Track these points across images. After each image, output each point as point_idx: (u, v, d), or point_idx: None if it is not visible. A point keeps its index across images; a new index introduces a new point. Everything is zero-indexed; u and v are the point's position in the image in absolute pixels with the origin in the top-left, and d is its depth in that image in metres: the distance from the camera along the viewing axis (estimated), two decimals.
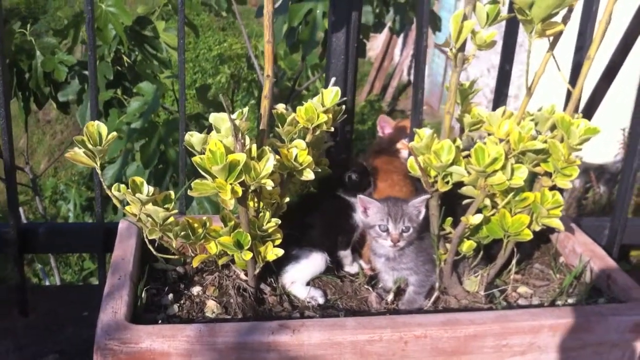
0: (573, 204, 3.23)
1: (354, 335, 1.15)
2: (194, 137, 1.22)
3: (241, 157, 1.12)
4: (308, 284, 1.38)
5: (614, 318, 1.23)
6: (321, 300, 1.33)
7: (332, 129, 1.33)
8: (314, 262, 1.39)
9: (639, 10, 2.68)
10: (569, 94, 1.29)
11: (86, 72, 3.26)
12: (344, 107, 1.44)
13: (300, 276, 1.37)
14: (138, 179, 1.14)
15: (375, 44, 9.28)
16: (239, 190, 1.14)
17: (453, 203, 1.35)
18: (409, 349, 1.17)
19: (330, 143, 1.51)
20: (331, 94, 1.30)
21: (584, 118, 1.22)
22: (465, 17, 1.20)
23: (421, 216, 1.33)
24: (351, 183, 1.44)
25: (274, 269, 1.35)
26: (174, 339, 1.11)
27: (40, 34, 3.40)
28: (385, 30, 3.75)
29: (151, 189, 1.16)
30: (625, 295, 1.31)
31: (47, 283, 4.18)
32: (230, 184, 1.13)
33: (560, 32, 1.18)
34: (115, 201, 1.15)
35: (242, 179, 1.14)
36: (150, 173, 3.00)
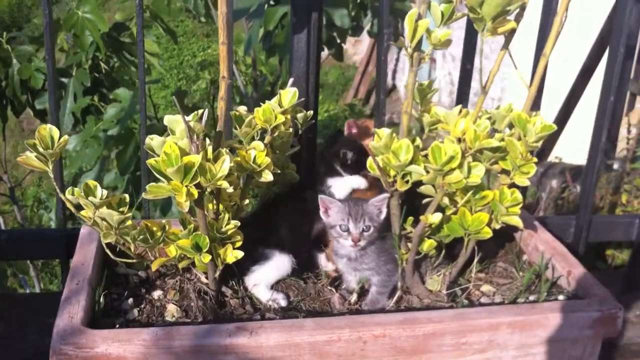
0: (551, 204, 3.24)
1: (312, 336, 1.15)
2: (154, 141, 1.21)
3: (196, 158, 1.12)
4: (272, 286, 1.38)
5: (573, 314, 1.23)
6: (283, 303, 1.33)
7: (290, 130, 1.33)
8: (279, 265, 1.38)
9: (614, 11, 2.70)
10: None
11: (64, 80, 3.26)
12: (311, 112, 1.44)
13: (265, 278, 1.37)
14: (91, 183, 1.13)
15: (360, 49, 9.30)
16: (195, 192, 1.14)
17: (416, 202, 1.35)
18: (368, 349, 1.17)
19: (296, 147, 1.50)
20: (289, 94, 1.30)
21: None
22: (419, 17, 1.21)
23: (382, 215, 1.33)
24: (346, 160, 1.42)
25: (236, 272, 1.35)
26: (129, 343, 1.11)
27: (24, 42, 3.39)
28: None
29: (105, 192, 1.15)
30: (585, 291, 1.31)
31: (28, 291, 4.15)
32: (186, 186, 1.13)
33: (513, 30, 1.19)
34: (69, 205, 1.14)
35: (197, 181, 1.13)
36: (128, 180, 2.99)
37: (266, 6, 3.07)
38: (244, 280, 1.36)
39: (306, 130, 1.47)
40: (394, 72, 8.79)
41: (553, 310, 1.23)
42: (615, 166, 3.30)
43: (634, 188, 2.81)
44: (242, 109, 1.34)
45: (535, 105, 1.58)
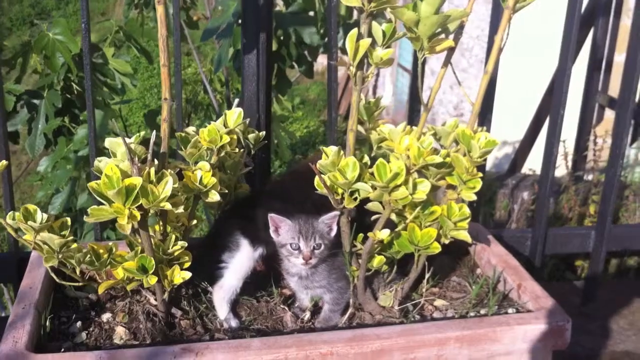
0: (523, 216, 3.26)
1: (259, 356, 1.15)
2: (102, 162, 1.22)
3: (137, 180, 1.12)
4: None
5: (521, 327, 1.24)
6: (234, 324, 1.32)
7: (237, 151, 1.33)
8: (246, 258, 1.36)
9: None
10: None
11: (35, 101, 3.25)
12: (263, 133, 1.44)
13: (231, 284, 1.35)
14: (31, 207, 1.13)
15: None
16: (137, 214, 1.14)
17: (366, 219, 1.35)
18: None
19: (249, 167, 1.50)
20: (234, 115, 1.30)
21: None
22: (361, 36, 1.22)
23: (333, 233, 1.33)
24: None
25: (187, 292, 1.34)
26: None
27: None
28: None
29: (45, 216, 1.15)
30: (534, 304, 1.32)
31: (3, 314, 4.10)
32: (129, 208, 1.13)
33: (452, 49, 1.20)
34: (9, 230, 1.14)
35: (139, 203, 1.13)
36: None
37: (235, 25, 3.08)
38: (213, 288, 1.35)
39: (260, 150, 1.48)
40: (375, 87, 8.84)
41: (501, 324, 1.24)
42: (585, 177, 3.34)
43: None
44: (191, 129, 1.34)
45: (486, 120, 1.60)
